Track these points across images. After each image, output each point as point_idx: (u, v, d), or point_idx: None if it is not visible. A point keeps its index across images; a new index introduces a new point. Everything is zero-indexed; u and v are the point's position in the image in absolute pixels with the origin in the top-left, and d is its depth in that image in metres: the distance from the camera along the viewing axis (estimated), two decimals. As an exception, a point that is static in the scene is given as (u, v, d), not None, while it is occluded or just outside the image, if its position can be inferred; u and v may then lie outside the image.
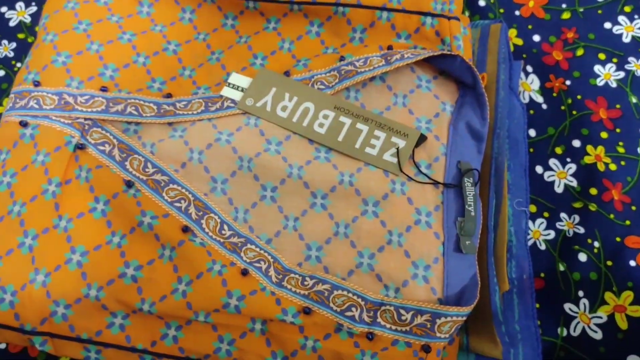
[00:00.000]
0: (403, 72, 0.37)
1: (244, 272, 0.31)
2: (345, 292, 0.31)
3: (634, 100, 0.41)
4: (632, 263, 0.36)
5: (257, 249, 0.32)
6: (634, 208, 0.37)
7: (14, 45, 0.45)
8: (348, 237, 0.33)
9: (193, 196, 0.33)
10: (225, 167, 0.34)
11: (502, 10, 0.45)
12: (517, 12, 0.45)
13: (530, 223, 0.38)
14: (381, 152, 0.34)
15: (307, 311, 0.30)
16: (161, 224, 0.32)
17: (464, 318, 0.30)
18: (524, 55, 0.43)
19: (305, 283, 0.31)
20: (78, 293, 0.31)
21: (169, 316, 0.31)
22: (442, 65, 0.37)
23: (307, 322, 0.30)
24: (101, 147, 0.34)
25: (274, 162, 0.34)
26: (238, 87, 0.36)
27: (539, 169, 0.40)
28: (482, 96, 0.36)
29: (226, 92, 0.36)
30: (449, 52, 0.36)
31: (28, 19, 0.46)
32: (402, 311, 0.30)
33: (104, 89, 0.36)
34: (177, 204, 0.33)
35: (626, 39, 0.43)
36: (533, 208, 0.39)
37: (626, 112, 0.40)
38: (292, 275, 0.32)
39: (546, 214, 0.38)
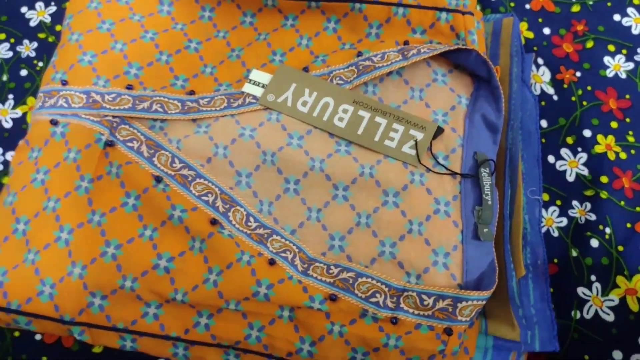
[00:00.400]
0: (419, 66, 0.38)
1: (271, 262, 0.32)
2: (369, 280, 0.32)
3: (642, 90, 0.42)
4: (643, 248, 0.37)
5: (283, 240, 0.34)
6: (643, 195, 0.39)
7: (35, 45, 0.46)
8: (370, 227, 0.34)
9: (219, 190, 0.34)
10: (249, 161, 0.35)
11: (512, 4, 0.46)
12: (527, 6, 0.46)
13: (543, 211, 0.39)
14: (400, 145, 0.36)
15: (333, 298, 0.32)
16: (190, 217, 0.33)
17: (484, 302, 0.31)
18: (535, 48, 0.44)
19: (331, 271, 0.33)
20: (114, 284, 0.32)
21: (200, 305, 0.32)
22: (457, 59, 0.38)
23: (333, 309, 0.32)
24: (130, 144, 0.35)
25: (296, 155, 0.35)
26: (259, 83, 0.37)
27: (551, 159, 0.41)
28: (497, 89, 0.37)
29: (247, 88, 0.37)
30: (464, 47, 0.37)
31: (48, 19, 0.47)
32: (424, 296, 0.31)
33: (129, 87, 0.37)
34: (205, 198, 0.34)
35: (635, 31, 0.44)
36: (546, 196, 0.40)
37: (635, 102, 0.41)
38: (317, 264, 0.33)
39: (558, 202, 0.40)
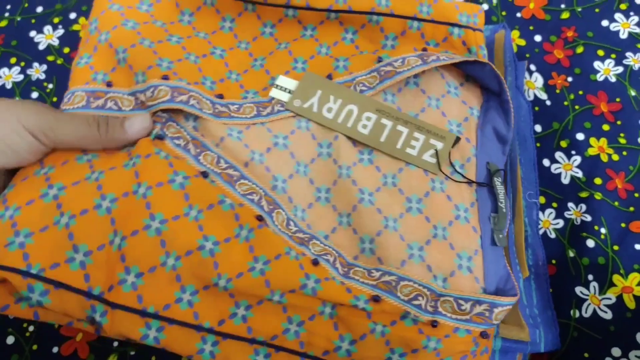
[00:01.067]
0: (434, 77, 0.39)
1: (315, 262, 0.32)
2: (411, 283, 0.32)
3: (632, 93, 0.43)
4: (637, 247, 0.38)
5: (321, 244, 0.34)
6: (637, 195, 0.40)
7: (44, 67, 0.48)
8: (397, 230, 0.34)
9: (263, 191, 0.34)
10: (284, 169, 0.36)
11: (504, 13, 0.48)
12: (518, 14, 0.47)
13: (540, 213, 0.41)
14: (421, 153, 0.37)
15: (376, 299, 0.32)
16: (238, 211, 0.33)
17: (512, 305, 0.33)
18: (527, 55, 0.46)
19: (372, 275, 0.33)
20: (155, 260, 0.30)
21: (241, 294, 0.31)
22: (470, 71, 0.39)
23: (376, 309, 0.32)
24: (177, 142, 0.34)
25: (327, 166, 0.36)
26: (285, 88, 0.38)
27: (546, 162, 0.42)
28: (507, 103, 0.38)
29: (274, 93, 0.38)
30: (481, 60, 0.38)
31: (56, 42, 0.49)
32: (461, 301, 0.32)
33: (165, 77, 0.36)
34: (250, 197, 0.33)
35: (623, 35, 0.45)
36: (542, 199, 0.41)
37: (626, 105, 0.43)
38: (357, 268, 0.33)
39: (555, 204, 0.41)
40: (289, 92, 0.38)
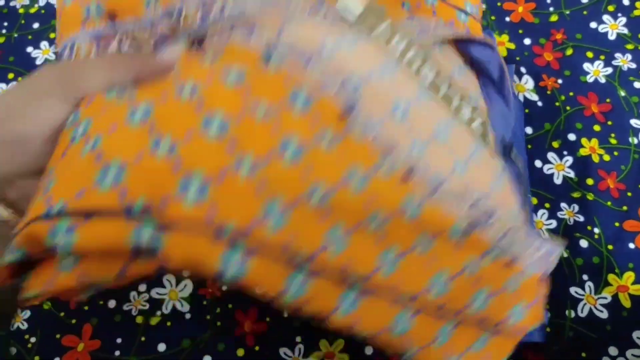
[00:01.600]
0: (449, 52, 0.38)
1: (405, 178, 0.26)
2: (497, 221, 0.29)
3: (622, 93, 0.43)
4: (632, 245, 0.38)
5: None
6: (629, 194, 0.40)
7: (41, 82, 0.49)
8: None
9: (337, 84, 0.27)
10: (362, 67, 0.29)
11: (493, 17, 0.48)
12: (507, 19, 0.48)
13: (532, 214, 0.41)
14: (469, 122, 0.34)
15: (468, 232, 0.27)
16: (315, 107, 0.25)
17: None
18: (517, 58, 0.46)
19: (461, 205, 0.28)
20: (223, 163, 0.23)
21: (339, 212, 0.24)
22: (475, 53, 0.38)
23: (467, 243, 0.27)
24: (219, 35, 0.27)
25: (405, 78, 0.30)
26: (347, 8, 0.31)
27: (538, 163, 0.43)
28: (507, 90, 0.38)
29: (340, 4, 0.30)
30: (490, 41, 0.38)
31: (53, 57, 0.50)
32: (531, 240, 0.30)
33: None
34: (325, 88, 0.26)
35: (611, 37, 0.46)
36: (535, 200, 0.41)
37: (616, 106, 0.43)
38: None
39: (547, 205, 0.41)
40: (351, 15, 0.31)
